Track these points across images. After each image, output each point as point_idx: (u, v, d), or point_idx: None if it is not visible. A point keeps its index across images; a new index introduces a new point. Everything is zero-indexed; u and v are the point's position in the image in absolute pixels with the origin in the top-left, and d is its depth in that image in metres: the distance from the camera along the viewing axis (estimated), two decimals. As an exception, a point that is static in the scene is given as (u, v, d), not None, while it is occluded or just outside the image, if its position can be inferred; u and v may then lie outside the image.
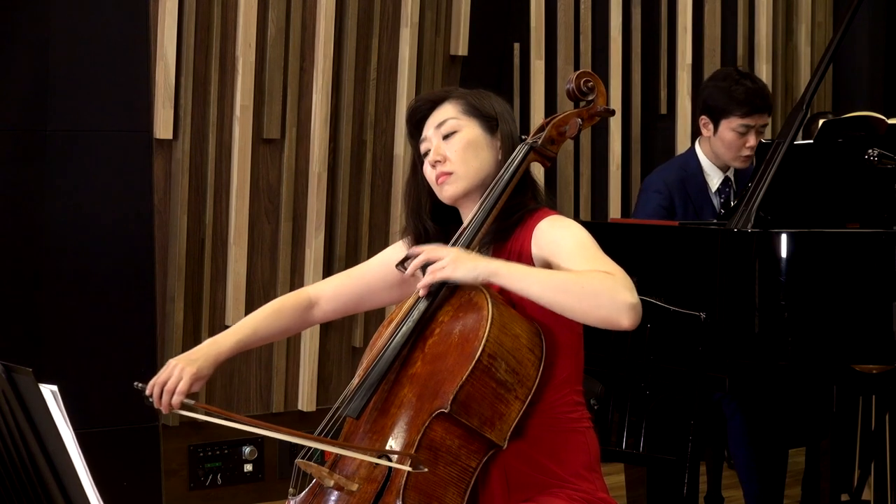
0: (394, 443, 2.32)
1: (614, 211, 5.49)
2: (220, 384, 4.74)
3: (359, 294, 2.72)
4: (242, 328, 2.64)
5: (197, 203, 4.64)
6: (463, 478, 2.32)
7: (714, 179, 4.22)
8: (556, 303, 2.31)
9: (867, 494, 4.00)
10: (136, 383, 2.49)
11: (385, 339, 2.42)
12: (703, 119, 4.20)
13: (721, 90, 4.16)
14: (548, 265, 2.43)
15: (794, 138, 3.50)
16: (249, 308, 4.73)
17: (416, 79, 4.99)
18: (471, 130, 2.54)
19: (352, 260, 4.91)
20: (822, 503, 4.03)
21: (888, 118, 3.58)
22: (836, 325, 3.27)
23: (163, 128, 4.52)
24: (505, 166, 2.52)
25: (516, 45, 5.32)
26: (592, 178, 5.50)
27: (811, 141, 3.62)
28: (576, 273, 2.33)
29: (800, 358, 3.26)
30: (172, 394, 2.45)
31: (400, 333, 2.39)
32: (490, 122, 2.55)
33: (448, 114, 2.55)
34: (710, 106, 4.17)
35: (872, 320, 3.26)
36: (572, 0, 5.40)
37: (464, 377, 2.28)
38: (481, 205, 2.48)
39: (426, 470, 2.27)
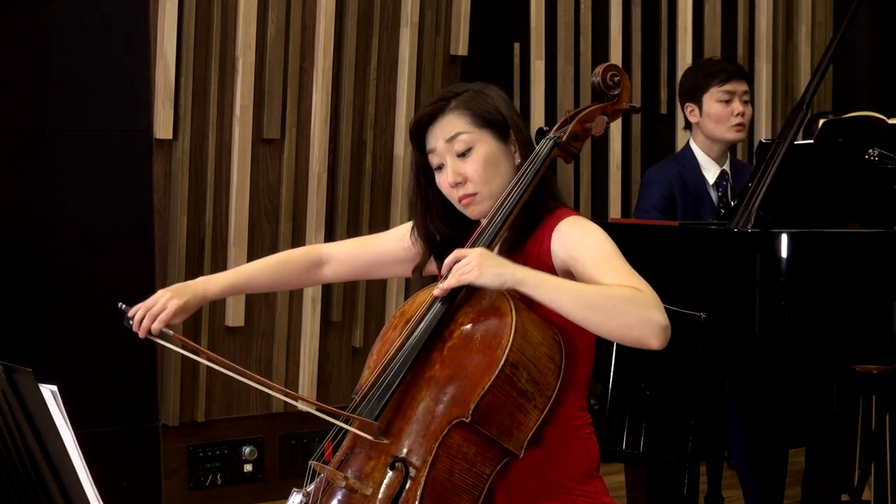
0: (411, 448, 2.28)
1: (614, 211, 5.49)
2: (220, 384, 4.74)
3: (369, 263, 2.69)
4: (239, 273, 2.65)
5: (197, 203, 4.64)
6: (477, 485, 2.29)
7: (711, 173, 4.25)
8: (584, 319, 2.27)
9: (867, 494, 4.00)
10: (120, 304, 2.54)
11: (402, 336, 2.37)
12: (689, 107, 4.27)
13: (693, 73, 4.37)
14: (568, 270, 2.38)
15: (794, 138, 3.50)
16: (249, 308, 4.73)
17: (416, 79, 4.99)
18: (485, 145, 2.46)
19: (352, 260, 4.91)
20: (822, 503, 4.03)
21: (888, 118, 3.58)
22: (836, 325, 3.27)
23: (163, 128, 4.52)
24: (528, 162, 2.45)
25: (516, 45, 5.32)
26: (592, 178, 5.49)
27: (811, 141, 3.62)
28: (605, 289, 2.28)
29: (800, 358, 3.26)
30: (154, 320, 2.48)
31: (418, 332, 2.34)
32: (502, 129, 2.48)
33: (457, 127, 2.46)
34: (688, 90, 4.30)
35: (872, 320, 3.26)
36: (572, 0, 5.40)
37: (486, 387, 2.24)
38: (503, 203, 2.42)
39: (386, 441, 2.28)
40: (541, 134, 2.54)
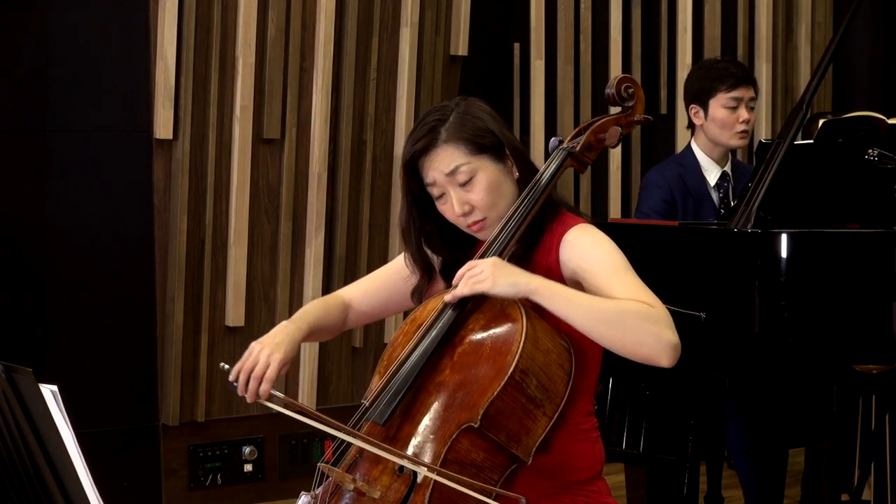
0: (419, 453, 2.27)
1: (614, 211, 5.49)
2: (220, 385, 4.74)
3: (386, 296, 2.63)
4: (309, 316, 2.54)
5: (197, 203, 4.64)
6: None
7: (712, 174, 4.23)
8: (596, 333, 2.27)
9: (867, 494, 4.01)
10: (222, 364, 2.41)
11: (412, 341, 2.35)
12: (693, 108, 4.22)
13: (701, 75, 4.26)
14: (577, 281, 2.37)
15: (794, 138, 3.50)
16: (249, 308, 4.73)
17: (416, 79, 4.99)
18: (486, 171, 2.42)
19: (351, 260, 4.91)
20: (822, 503, 4.03)
21: (888, 118, 3.58)
22: (836, 325, 3.27)
23: (163, 128, 4.52)
24: (539, 173, 2.44)
25: (516, 45, 5.32)
26: (592, 178, 5.50)
27: (811, 141, 3.62)
28: (619, 303, 2.27)
29: (800, 358, 3.26)
30: (260, 381, 2.36)
31: (428, 338, 2.32)
32: (497, 150, 2.44)
33: (455, 160, 2.41)
34: (694, 92, 4.22)
35: (872, 320, 3.26)
36: (572, 0, 5.40)
37: (495, 392, 2.24)
38: (513, 214, 2.41)
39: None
40: (554, 144, 2.53)
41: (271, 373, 2.36)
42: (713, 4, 5.73)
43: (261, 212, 4.76)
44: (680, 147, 5.51)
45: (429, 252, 2.53)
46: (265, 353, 2.38)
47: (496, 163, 2.44)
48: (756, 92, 4.23)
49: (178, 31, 4.52)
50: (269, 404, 2.36)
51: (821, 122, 3.64)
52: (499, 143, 2.45)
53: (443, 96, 5.09)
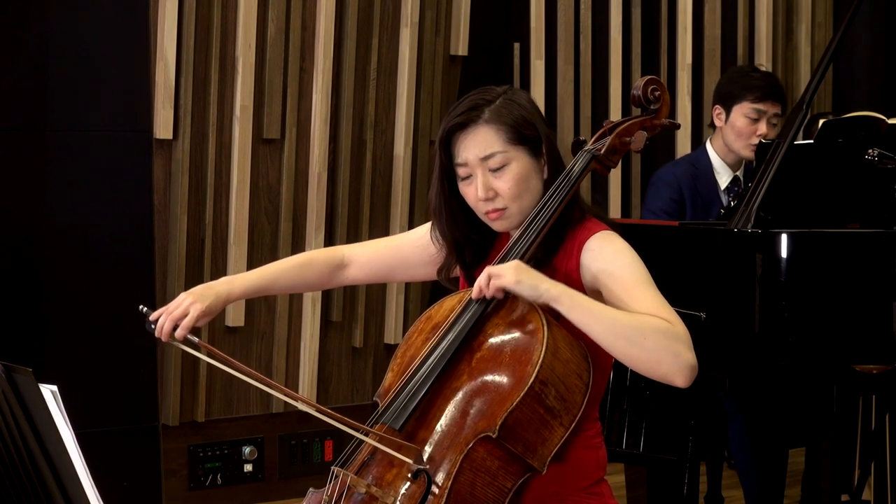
0: (433, 459, 2.25)
1: (614, 211, 5.49)
2: (220, 384, 4.74)
3: (391, 265, 2.63)
4: (262, 274, 2.58)
5: (197, 203, 4.64)
6: (498, 499, 2.25)
7: (723, 177, 4.23)
8: (615, 347, 2.24)
9: (867, 494, 4.01)
10: (141, 306, 2.46)
11: (429, 343, 2.33)
12: (717, 109, 4.23)
13: (735, 80, 4.27)
14: (596, 289, 2.35)
15: (794, 138, 3.50)
16: (249, 308, 4.73)
17: (416, 79, 4.99)
18: (520, 163, 2.38)
19: (352, 260, 4.91)
20: (822, 503, 4.03)
21: (888, 118, 3.58)
22: (836, 325, 3.27)
23: (163, 128, 4.52)
24: (563, 176, 2.40)
25: (516, 45, 5.32)
26: (593, 177, 5.49)
27: (811, 141, 3.62)
28: (639, 319, 2.24)
29: (800, 358, 3.27)
30: (175, 325, 2.42)
31: (446, 341, 2.29)
32: (535, 145, 2.41)
33: (493, 144, 2.37)
34: (723, 94, 4.23)
35: (872, 320, 3.26)
36: (572, 0, 5.40)
37: (514, 403, 2.20)
38: (536, 217, 2.37)
39: (427, 467, 2.22)
40: (577, 146, 2.50)
41: (188, 321, 2.42)
42: (713, 4, 5.73)
43: (261, 212, 4.76)
44: (680, 148, 5.52)
45: (457, 232, 2.50)
46: (188, 301, 2.45)
47: (531, 157, 2.40)
48: (783, 110, 4.21)
49: (178, 31, 4.52)
50: (185, 347, 2.43)
51: (821, 122, 3.64)
52: (538, 138, 2.41)
53: (443, 96, 5.10)
